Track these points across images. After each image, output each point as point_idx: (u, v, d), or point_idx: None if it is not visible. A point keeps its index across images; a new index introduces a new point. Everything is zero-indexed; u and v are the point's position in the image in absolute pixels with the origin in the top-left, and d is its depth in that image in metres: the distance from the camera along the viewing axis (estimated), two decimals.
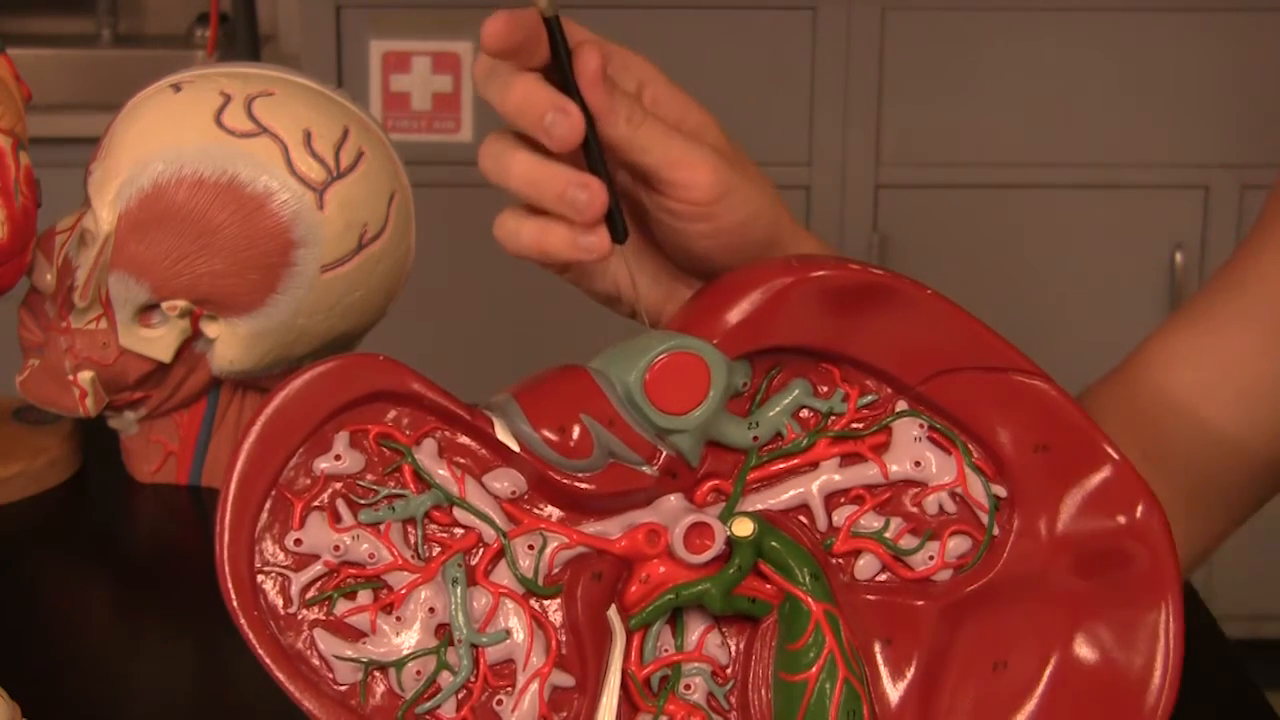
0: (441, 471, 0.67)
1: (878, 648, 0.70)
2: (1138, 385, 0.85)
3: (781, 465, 0.70)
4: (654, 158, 0.72)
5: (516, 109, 0.69)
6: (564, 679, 0.67)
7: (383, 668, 0.66)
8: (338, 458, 0.66)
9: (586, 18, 0.73)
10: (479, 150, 0.72)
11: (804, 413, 0.70)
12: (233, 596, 0.65)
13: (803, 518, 0.70)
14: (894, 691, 0.69)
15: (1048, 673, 0.70)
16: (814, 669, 0.68)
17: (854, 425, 0.70)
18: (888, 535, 0.70)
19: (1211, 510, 0.86)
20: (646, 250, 0.78)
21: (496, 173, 0.71)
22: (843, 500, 0.70)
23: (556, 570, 0.68)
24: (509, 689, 0.67)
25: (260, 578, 0.66)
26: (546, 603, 0.68)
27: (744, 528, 0.68)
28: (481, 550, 0.67)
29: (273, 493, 0.66)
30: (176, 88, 0.98)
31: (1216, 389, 0.83)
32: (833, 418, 0.70)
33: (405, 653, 0.66)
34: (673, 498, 0.69)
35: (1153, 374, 0.85)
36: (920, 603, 0.70)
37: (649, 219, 0.75)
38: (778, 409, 0.70)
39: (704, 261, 0.76)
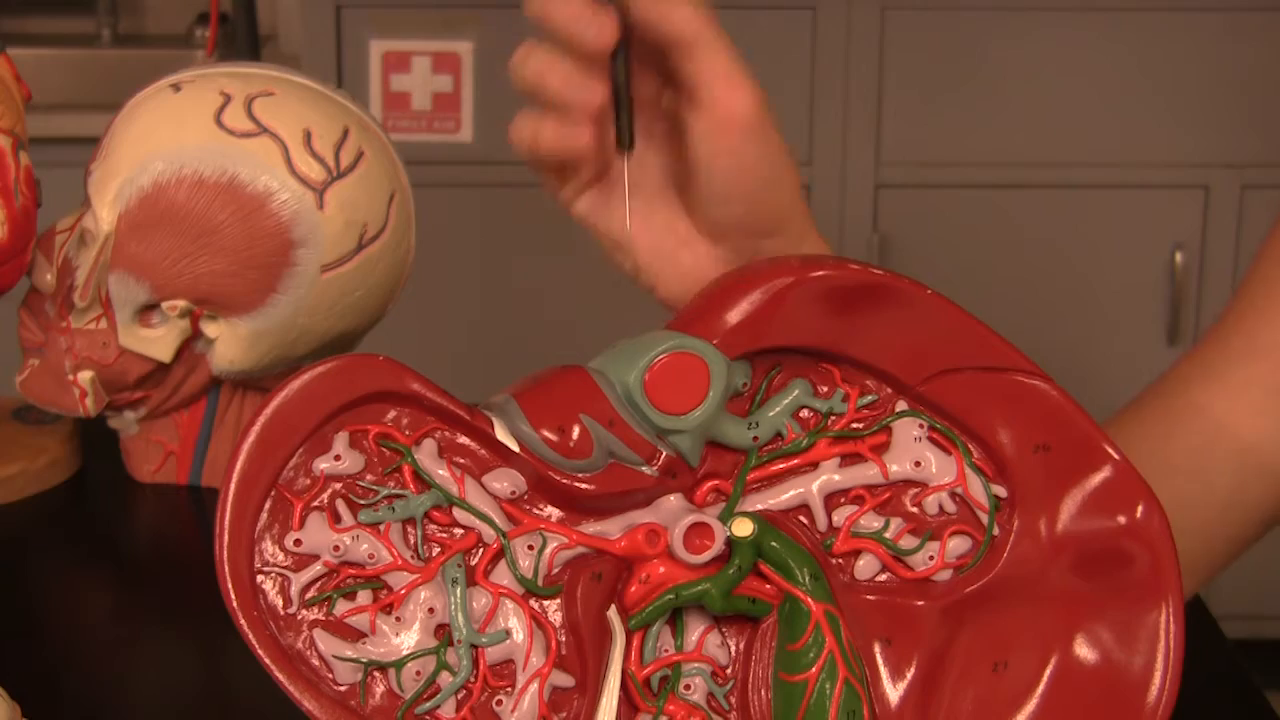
0: (441, 472, 0.67)
1: (878, 648, 0.70)
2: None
3: (781, 465, 0.70)
4: (703, 65, 0.72)
5: (551, 14, 0.70)
6: (564, 679, 0.67)
7: (382, 668, 0.66)
8: (337, 458, 0.66)
9: None
10: (510, 62, 0.74)
11: (804, 413, 0.70)
12: (233, 596, 0.65)
13: (803, 518, 0.70)
14: (894, 692, 0.69)
15: (1048, 673, 0.70)
16: (814, 669, 0.68)
17: (854, 425, 0.70)
18: (888, 535, 0.70)
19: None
20: (660, 202, 0.77)
21: (519, 69, 0.73)
22: (843, 500, 0.70)
23: (556, 570, 0.68)
24: (509, 689, 0.67)
25: (260, 578, 0.65)
26: (546, 603, 0.68)
27: (744, 528, 0.68)
28: (481, 550, 0.67)
29: (272, 493, 0.66)
30: (176, 88, 0.98)
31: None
32: (833, 418, 0.70)
33: (405, 653, 0.66)
34: (673, 498, 0.69)
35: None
36: (920, 603, 0.70)
37: (679, 143, 0.75)
38: (778, 409, 0.69)
39: (720, 207, 0.75)
